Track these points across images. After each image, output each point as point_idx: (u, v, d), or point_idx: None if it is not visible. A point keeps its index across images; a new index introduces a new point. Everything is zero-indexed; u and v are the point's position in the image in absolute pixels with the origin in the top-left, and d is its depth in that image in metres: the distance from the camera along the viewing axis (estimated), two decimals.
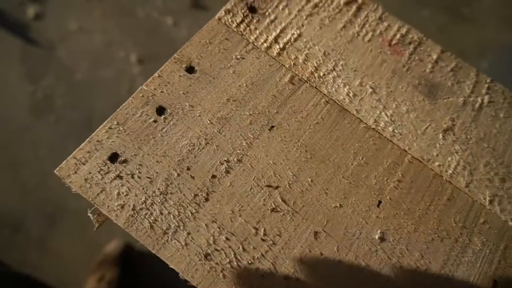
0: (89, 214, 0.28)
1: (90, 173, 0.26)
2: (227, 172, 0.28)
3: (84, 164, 0.27)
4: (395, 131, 0.31)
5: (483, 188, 0.31)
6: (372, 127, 0.31)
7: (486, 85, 0.34)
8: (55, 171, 0.27)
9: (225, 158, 0.28)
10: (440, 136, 0.32)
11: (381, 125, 0.31)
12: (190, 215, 0.26)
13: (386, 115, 0.32)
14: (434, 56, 0.34)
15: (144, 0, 1.40)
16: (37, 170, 1.19)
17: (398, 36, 0.35)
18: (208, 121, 0.29)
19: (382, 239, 0.28)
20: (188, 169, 0.27)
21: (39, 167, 1.19)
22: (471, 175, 0.31)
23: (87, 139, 0.27)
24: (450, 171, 0.31)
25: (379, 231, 0.28)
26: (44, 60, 1.33)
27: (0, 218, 1.13)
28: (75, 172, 0.26)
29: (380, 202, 0.29)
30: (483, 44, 1.52)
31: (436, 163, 0.31)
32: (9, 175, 1.18)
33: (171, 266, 0.26)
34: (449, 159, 0.31)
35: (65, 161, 0.27)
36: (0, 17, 1.35)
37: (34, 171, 1.19)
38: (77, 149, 0.27)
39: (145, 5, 1.39)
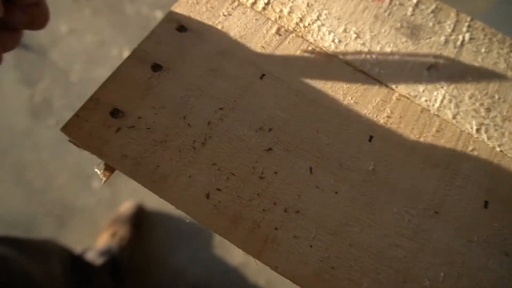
0: (95, 170, 0.29)
1: (93, 128, 0.28)
2: (222, 119, 0.29)
3: (87, 121, 0.28)
4: (381, 71, 0.32)
5: (469, 119, 0.32)
6: (359, 69, 0.32)
7: (467, 24, 0.35)
8: (60, 129, 0.28)
9: (220, 106, 0.30)
10: (425, 73, 0.33)
11: (367, 66, 0.32)
12: (190, 159, 0.28)
13: (372, 57, 0.33)
14: (414, 0, 0.36)
15: None
16: (41, 172, 1.20)
17: None
18: (202, 73, 0.30)
19: (375, 170, 0.29)
20: (185, 118, 0.29)
21: (43, 169, 1.21)
22: (457, 107, 0.32)
23: (88, 98, 0.29)
24: (437, 105, 0.32)
25: (372, 163, 0.29)
26: (38, 64, 1.34)
27: (10, 221, 1.15)
28: (79, 129, 0.28)
29: (371, 137, 0.30)
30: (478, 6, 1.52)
31: (423, 98, 0.32)
32: (14, 179, 1.19)
33: (177, 209, 0.27)
34: (435, 93, 0.32)
35: (68, 119, 0.28)
36: None
37: (38, 174, 1.20)
38: (79, 108, 0.28)
39: (134, 1, 1.40)
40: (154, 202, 1.13)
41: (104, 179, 0.29)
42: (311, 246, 0.26)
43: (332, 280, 0.26)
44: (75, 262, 0.80)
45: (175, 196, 0.27)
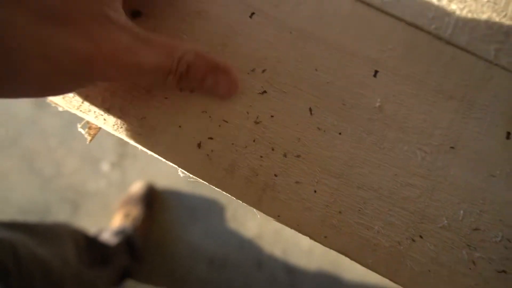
0: (79, 129, 0.27)
1: None
2: None
3: None
4: None
5: (486, 45, 0.28)
6: None
7: None
8: None
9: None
10: None
11: None
12: (178, 108, 0.25)
13: None
14: None
15: None
16: (51, 159, 1.21)
17: None
18: (184, 16, 0.28)
19: (382, 107, 0.26)
20: None
21: (52, 156, 1.21)
22: (472, 33, 0.29)
23: None
24: (449, 32, 0.29)
25: (378, 100, 0.27)
26: None
27: (26, 208, 1.17)
28: None
29: (376, 71, 0.27)
30: None
31: (433, 26, 0.29)
32: (25, 168, 1.20)
33: (167, 161, 0.25)
34: (446, 19, 0.29)
35: None
36: None
37: (48, 161, 1.21)
38: None
39: None
40: (164, 180, 1.12)
41: (89, 138, 0.27)
42: (315, 191, 0.24)
43: (340, 225, 0.24)
44: (90, 243, 0.80)
45: (164, 148, 0.25)
